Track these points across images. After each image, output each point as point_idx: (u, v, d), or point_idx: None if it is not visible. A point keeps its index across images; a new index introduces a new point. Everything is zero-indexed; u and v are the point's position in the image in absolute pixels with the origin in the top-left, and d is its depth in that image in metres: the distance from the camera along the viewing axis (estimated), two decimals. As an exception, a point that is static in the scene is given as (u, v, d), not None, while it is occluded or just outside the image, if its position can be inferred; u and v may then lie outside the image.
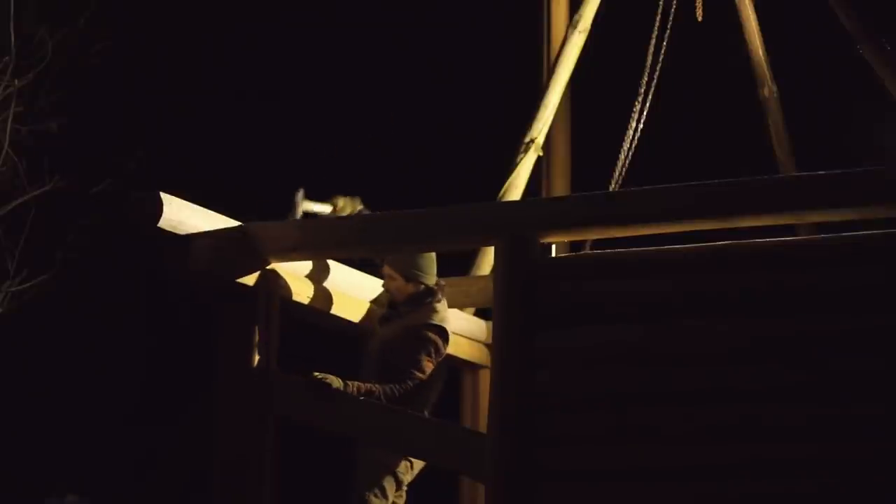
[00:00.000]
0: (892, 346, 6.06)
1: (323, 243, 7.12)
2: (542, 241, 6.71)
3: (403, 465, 7.36)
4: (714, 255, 6.43)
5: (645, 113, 9.36)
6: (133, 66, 14.47)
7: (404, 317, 7.38)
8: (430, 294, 7.40)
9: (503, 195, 9.19)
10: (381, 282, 7.69)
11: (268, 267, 7.10)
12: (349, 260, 7.72)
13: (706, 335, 6.34)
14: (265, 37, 16.12)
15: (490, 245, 7.57)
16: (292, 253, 7.14)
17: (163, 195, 6.67)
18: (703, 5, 9.74)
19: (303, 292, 7.33)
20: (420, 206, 6.94)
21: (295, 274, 7.32)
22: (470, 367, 8.71)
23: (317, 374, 6.96)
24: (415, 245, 7.17)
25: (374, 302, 7.86)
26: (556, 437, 6.49)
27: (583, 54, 9.69)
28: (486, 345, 8.39)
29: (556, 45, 9.84)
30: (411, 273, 7.39)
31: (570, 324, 6.57)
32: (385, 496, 7.30)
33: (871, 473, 6.03)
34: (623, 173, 9.31)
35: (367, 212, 7.64)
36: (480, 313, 8.71)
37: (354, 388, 7.02)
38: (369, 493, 7.26)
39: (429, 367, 7.24)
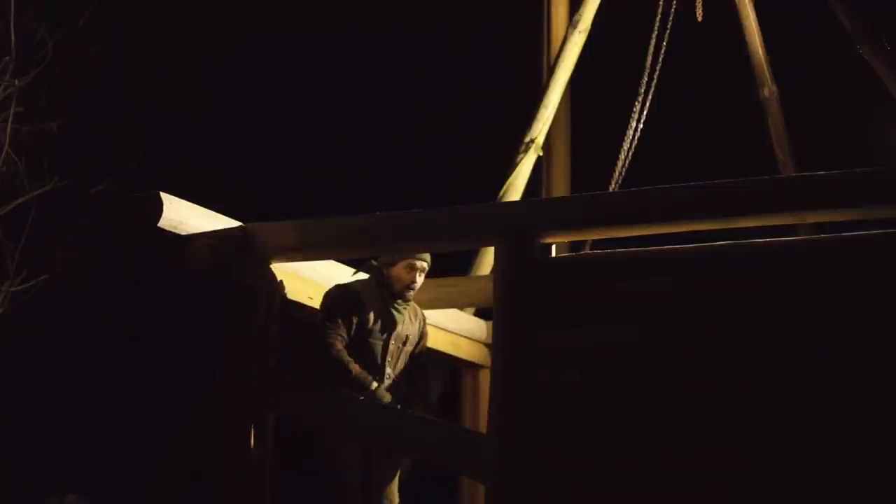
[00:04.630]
0: (891, 346, 6.06)
1: (323, 243, 7.12)
2: (542, 241, 6.71)
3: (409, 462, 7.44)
4: (714, 255, 6.43)
5: (645, 113, 9.37)
6: (133, 66, 14.46)
7: (413, 309, 7.42)
8: None
9: (503, 195, 9.20)
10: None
11: (268, 267, 7.10)
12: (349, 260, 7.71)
13: (706, 335, 6.34)
14: (266, 36, 16.12)
15: (490, 245, 7.57)
16: (292, 253, 7.14)
17: (163, 195, 6.68)
18: (703, 5, 9.75)
19: (303, 292, 7.33)
20: (420, 206, 6.94)
21: (295, 274, 7.32)
22: (470, 367, 8.72)
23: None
24: (415, 245, 7.17)
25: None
26: (556, 437, 6.49)
27: (583, 54, 9.70)
28: (486, 345, 8.40)
29: (556, 45, 9.85)
30: None
31: (570, 324, 6.57)
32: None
33: (871, 473, 6.02)
34: (623, 173, 9.31)
35: None
36: (480, 313, 8.71)
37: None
38: (392, 487, 7.33)
39: None
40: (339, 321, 7.21)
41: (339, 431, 7.12)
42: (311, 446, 7.28)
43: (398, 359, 7.31)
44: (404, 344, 7.34)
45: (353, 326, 7.22)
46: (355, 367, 7.12)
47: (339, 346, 7.15)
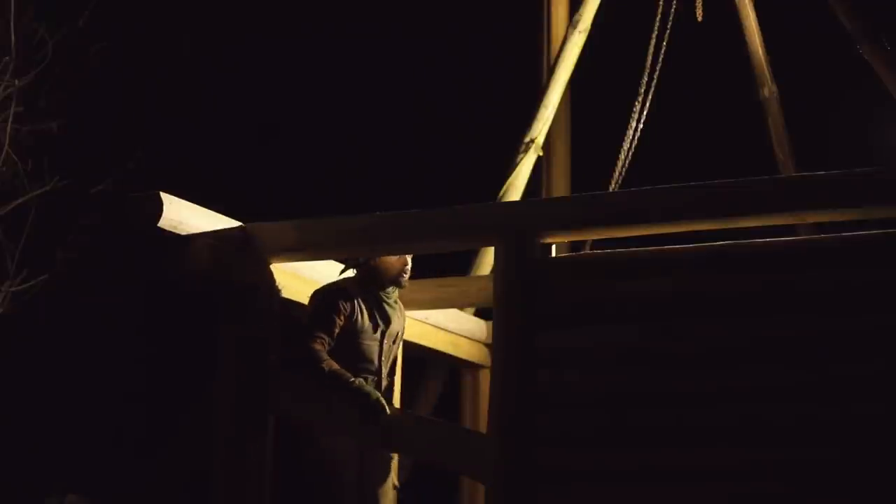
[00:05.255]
0: (891, 346, 6.06)
1: (323, 243, 7.11)
2: (542, 241, 6.71)
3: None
4: (714, 255, 6.43)
5: (645, 113, 9.38)
6: (132, 66, 14.47)
7: (399, 306, 7.37)
8: None
9: (503, 195, 9.21)
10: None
11: (268, 267, 7.10)
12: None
13: (706, 335, 6.34)
14: (265, 36, 16.12)
15: (490, 245, 7.57)
16: (292, 253, 7.14)
17: (163, 195, 6.68)
18: (703, 5, 9.76)
19: (303, 292, 7.33)
20: (420, 206, 6.94)
21: (295, 274, 7.32)
22: (470, 367, 8.72)
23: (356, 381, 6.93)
24: (415, 245, 7.16)
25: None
26: (556, 437, 6.49)
27: (583, 54, 9.71)
28: (486, 345, 8.40)
29: (556, 45, 9.87)
30: None
31: (570, 324, 6.57)
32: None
33: (871, 473, 6.02)
34: (623, 173, 9.32)
35: None
36: (480, 313, 8.72)
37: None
38: (387, 485, 7.31)
39: None
40: (326, 323, 7.06)
41: (339, 431, 7.12)
42: (305, 445, 7.25)
43: (390, 357, 7.28)
44: (394, 342, 7.30)
45: (343, 326, 7.09)
46: (330, 364, 6.92)
47: (317, 346, 6.99)
